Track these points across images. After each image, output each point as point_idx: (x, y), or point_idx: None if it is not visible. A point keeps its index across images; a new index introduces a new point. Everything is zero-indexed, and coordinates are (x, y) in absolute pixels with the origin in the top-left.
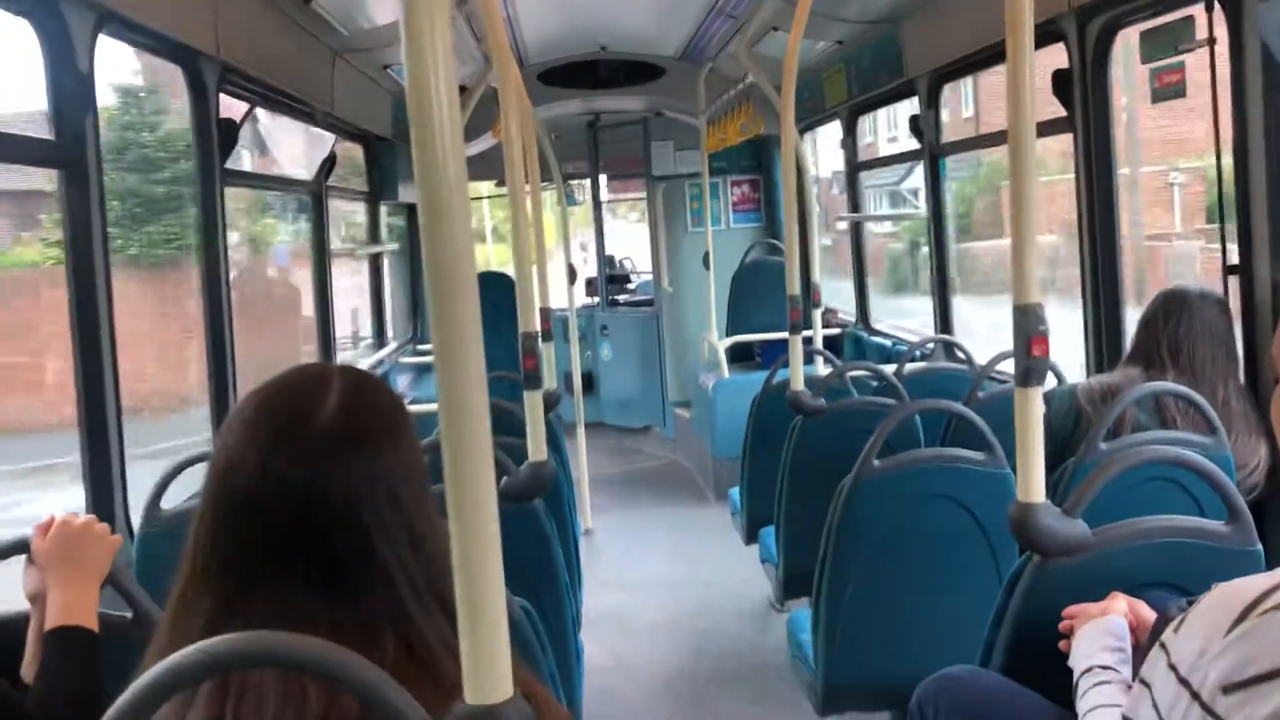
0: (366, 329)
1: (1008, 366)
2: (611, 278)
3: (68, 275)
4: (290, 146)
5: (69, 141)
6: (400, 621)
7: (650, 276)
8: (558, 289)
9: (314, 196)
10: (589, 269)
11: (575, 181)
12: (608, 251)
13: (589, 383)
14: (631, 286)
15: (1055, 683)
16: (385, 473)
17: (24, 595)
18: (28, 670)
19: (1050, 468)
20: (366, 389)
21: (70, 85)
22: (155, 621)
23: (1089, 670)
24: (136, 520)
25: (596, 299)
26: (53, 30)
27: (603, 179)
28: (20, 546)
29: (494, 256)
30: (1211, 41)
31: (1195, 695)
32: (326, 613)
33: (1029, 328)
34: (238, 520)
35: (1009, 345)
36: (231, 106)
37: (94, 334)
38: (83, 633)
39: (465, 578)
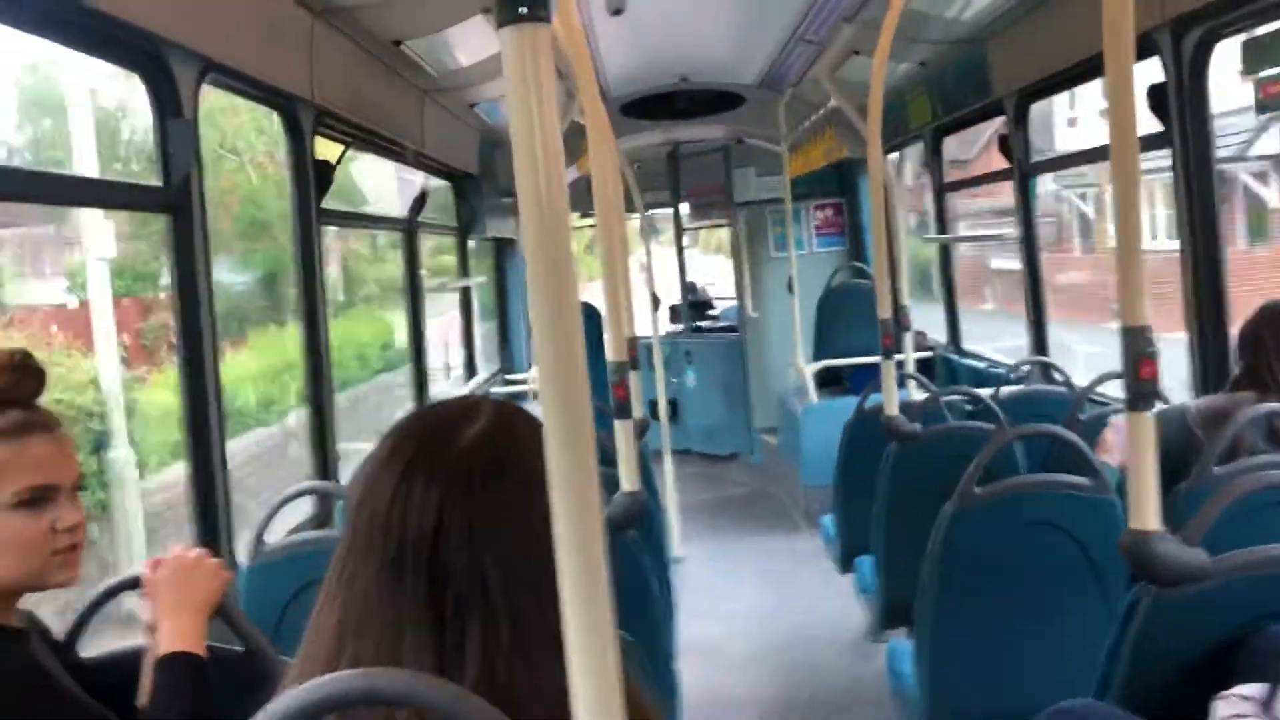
0: (457, 361)
1: (1107, 389)
2: (694, 304)
3: (174, 314)
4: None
5: (176, 186)
6: (496, 661)
7: (733, 303)
8: (642, 317)
9: (406, 234)
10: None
11: (658, 210)
12: (689, 278)
13: (674, 410)
14: (714, 313)
15: (1175, 715)
16: (521, 508)
17: (143, 628)
18: (143, 700)
19: (1161, 493)
20: (515, 421)
21: (176, 133)
22: (265, 653)
23: (1226, 698)
24: (241, 555)
25: (680, 326)
26: (160, 81)
27: (684, 207)
28: (132, 583)
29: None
30: None
31: None
32: (432, 645)
33: (1138, 349)
34: (367, 544)
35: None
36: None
37: (199, 371)
38: (193, 659)
39: (576, 612)
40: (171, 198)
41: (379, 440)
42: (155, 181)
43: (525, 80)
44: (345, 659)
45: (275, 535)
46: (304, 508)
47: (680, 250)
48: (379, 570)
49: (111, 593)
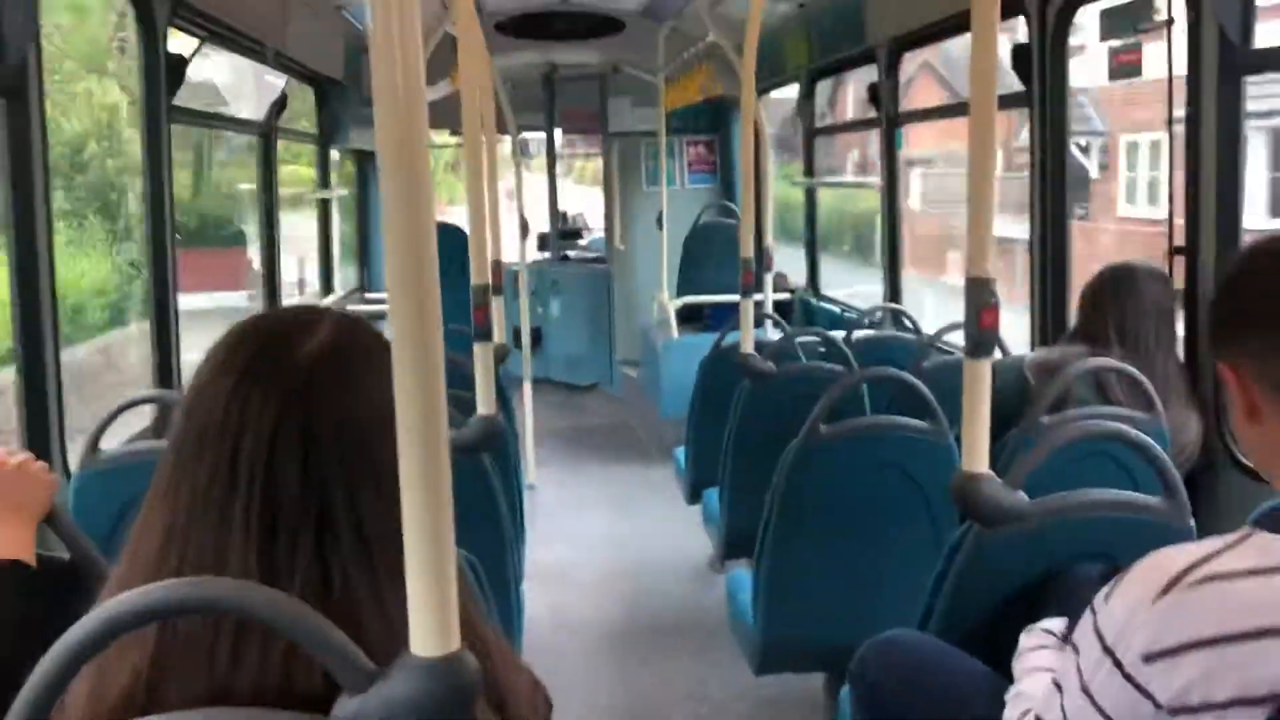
0: (312, 276)
1: (953, 338)
2: (564, 233)
3: (7, 208)
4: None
5: (13, 69)
6: (331, 569)
7: (602, 234)
8: (510, 243)
9: (263, 138)
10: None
11: (530, 134)
12: (560, 207)
13: (537, 338)
14: (584, 243)
15: (991, 647)
16: (363, 416)
17: None
18: None
19: (993, 439)
20: (358, 330)
21: (11, 9)
22: (94, 562)
23: (1032, 630)
24: (73, 461)
25: (548, 254)
26: None
27: (558, 133)
28: None
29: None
30: (1169, 23)
31: (1118, 663)
32: (263, 552)
33: (980, 299)
34: (198, 449)
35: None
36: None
37: (32, 266)
38: (21, 566)
39: (416, 528)
40: (6, 79)
41: (213, 345)
42: None
43: None
44: (168, 568)
45: (113, 445)
46: (145, 418)
47: (552, 177)
48: (209, 479)
49: None
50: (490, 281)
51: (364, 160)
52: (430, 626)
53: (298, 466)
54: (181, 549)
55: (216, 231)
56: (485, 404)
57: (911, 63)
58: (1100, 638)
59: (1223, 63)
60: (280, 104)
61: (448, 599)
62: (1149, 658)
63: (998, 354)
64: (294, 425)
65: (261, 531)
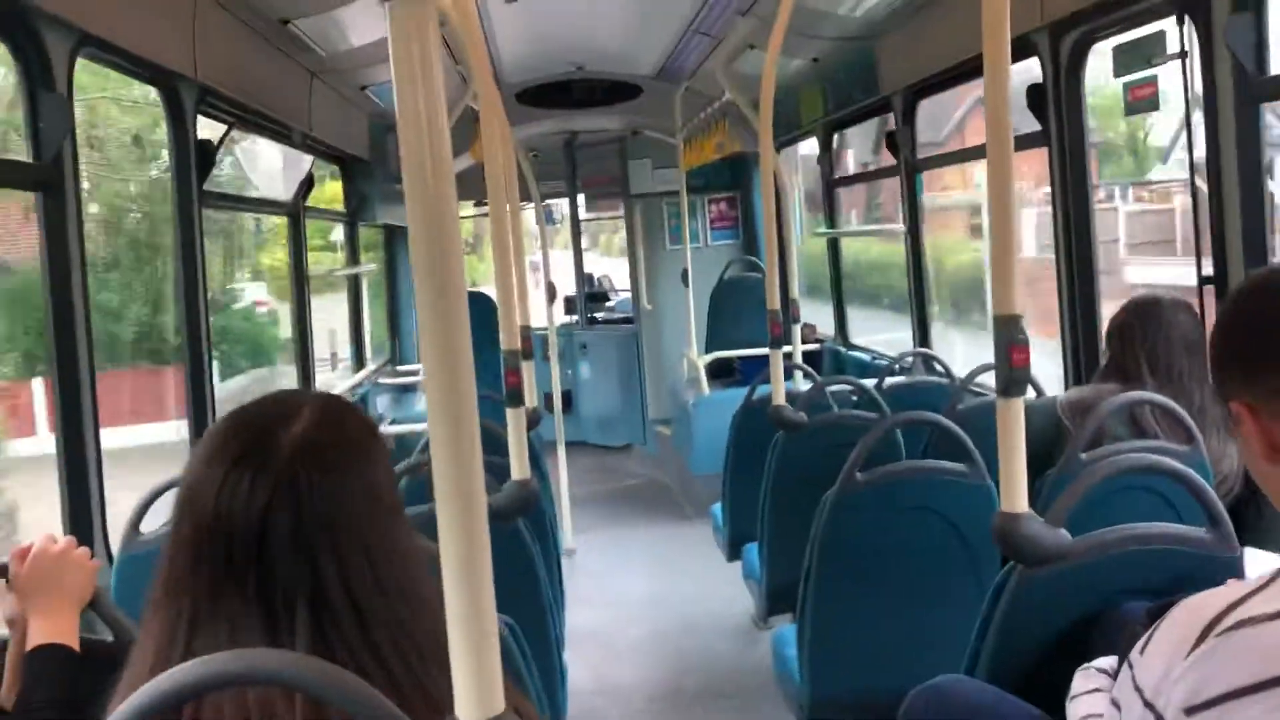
0: (345, 351)
1: (986, 380)
2: (591, 296)
3: (45, 297)
4: (268, 168)
5: (48, 163)
6: (334, 648)
7: (629, 295)
8: (537, 308)
9: (291, 218)
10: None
11: (552, 201)
12: (586, 270)
13: (569, 401)
14: (610, 304)
15: (1039, 690)
16: (349, 498)
17: (3, 619)
18: (5, 696)
19: (1031, 480)
20: (338, 413)
21: (48, 107)
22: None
23: (1085, 671)
24: (115, 545)
25: (575, 317)
26: (31, 52)
27: (581, 198)
28: None
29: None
30: (1184, 55)
31: (1160, 718)
32: (265, 640)
33: (1010, 338)
34: (197, 541)
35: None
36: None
37: (71, 355)
38: (64, 650)
39: (457, 595)
40: (43, 175)
41: (205, 436)
42: (24, 158)
43: (411, 58)
44: (176, 659)
45: (153, 526)
46: None
47: (577, 241)
48: (211, 571)
49: None
50: (520, 347)
51: (392, 235)
52: (474, 692)
53: (290, 550)
54: (187, 641)
55: (148, 343)
56: (519, 469)
57: (969, 94)
58: (1140, 693)
59: (1239, 91)
60: (307, 184)
61: (492, 664)
62: (1190, 710)
63: (1032, 395)
64: (283, 510)
65: (263, 618)
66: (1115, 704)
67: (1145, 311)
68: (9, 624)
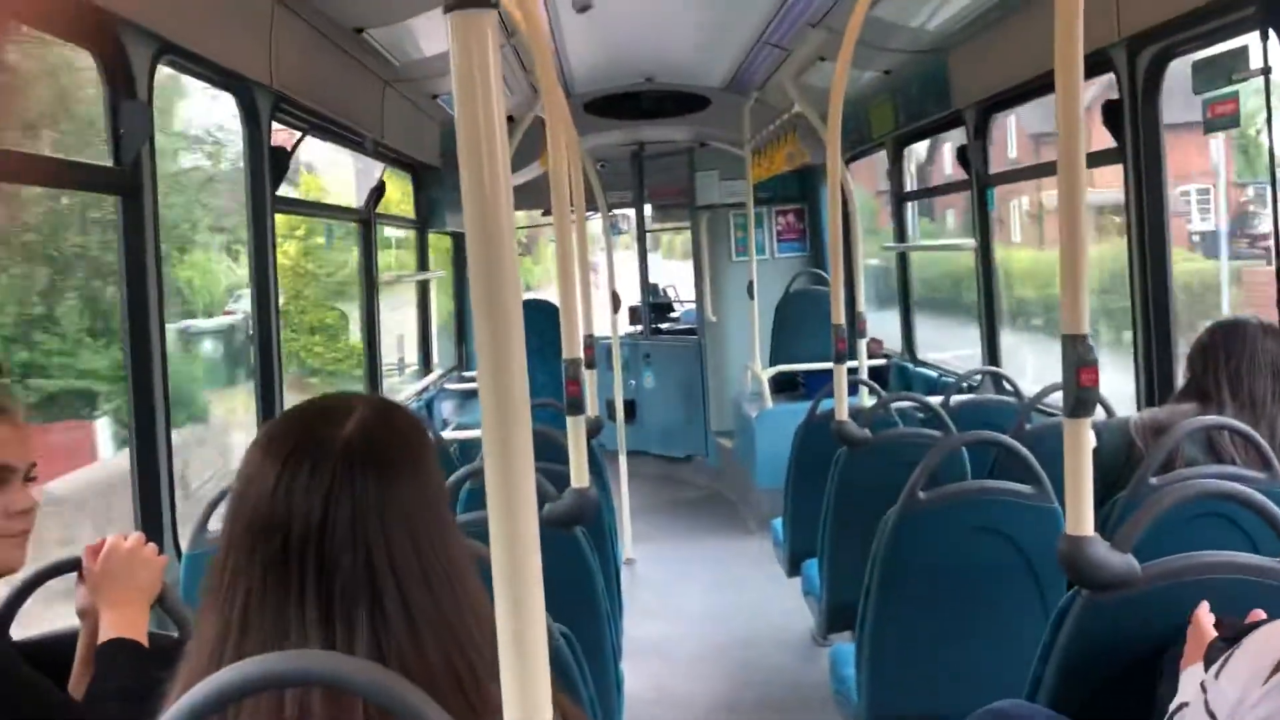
0: (413, 356)
1: (1056, 400)
2: (655, 306)
3: (122, 298)
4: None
5: (128, 168)
6: (393, 650)
7: (693, 306)
8: (601, 317)
9: (363, 224)
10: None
11: (620, 211)
12: (651, 280)
13: (632, 411)
14: (675, 315)
15: (1102, 716)
16: (400, 500)
17: (75, 611)
18: (76, 687)
19: (1100, 502)
20: (390, 415)
21: (129, 113)
22: None
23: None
24: (184, 541)
25: (640, 327)
26: (114, 61)
27: (647, 209)
28: (70, 565)
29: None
30: (1266, 71)
31: None
32: (320, 639)
33: (1078, 358)
34: (248, 540)
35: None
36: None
37: (146, 355)
38: (134, 644)
39: (506, 602)
40: (123, 179)
41: (258, 436)
42: (106, 162)
43: (471, 64)
44: (228, 658)
45: (219, 526)
46: None
47: (643, 251)
48: (264, 569)
49: (47, 575)
50: (582, 355)
51: (461, 242)
52: (523, 700)
53: (349, 546)
54: (240, 641)
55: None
56: (578, 477)
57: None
58: (1213, 717)
59: None
60: (379, 191)
61: (540, 673)
62: None
63: (1103, 415)
64: (341, 504)
65: (320, 621)
66: None
67: (1230, 333)
68: (81, 615)
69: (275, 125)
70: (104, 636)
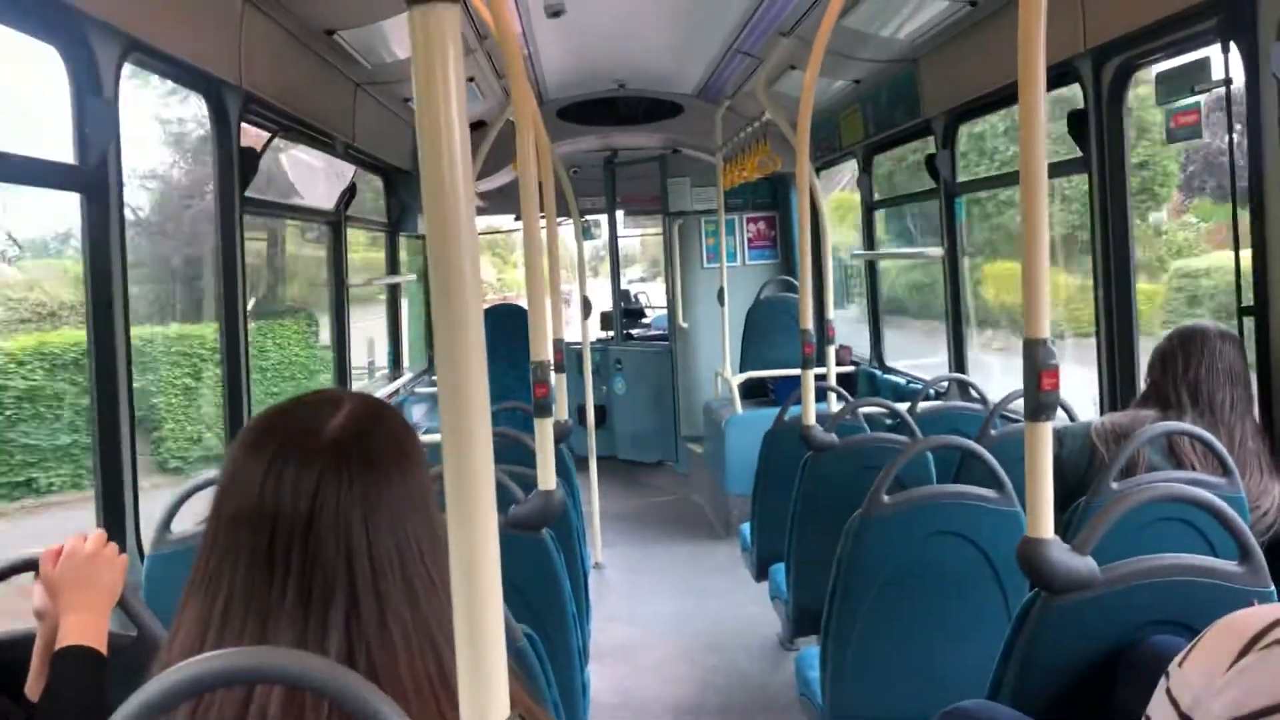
0: (382, 359)
1: (1020, 406)
2: (626, 312)
3: (86, 297)
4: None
5: (92, 166)
6: (363, 650)
7: (664, 312)
8: (573, 322)
9: (333, 226)
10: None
11: (592, 217)
12: (623, 287)
13: (603, 417)
14: (646, 321)
15: (1063, 715)
16: (386, 500)
17: (33, 612)
18: (32, 688)
19: (1062, 507)
20: (379, 413)
21: (95, 111)
22: (159, 641)
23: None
24: (147, 543)
25: (611, 333)
26: (79, 57)
27: (620, 215)
28: (28, 565)
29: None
30: (1228, 82)
31: None
32: (299, 634)
33: (1039, 362)
34: (233, 534)
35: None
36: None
37: (109, 355)
38: (91, 653)
39: (464, 598)
40: (86, 177)
41: (243, 431)
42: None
43: (432, 60)
44: (208, 648)
45: (184, 527)
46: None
47: (614, 257)
48: (248, 564)
49: (1, 575)
50: (550, 358)
51: None
52: (481, 697)
53: (332, 544)
54: (220, 635)
55: None
56: (545, 479)
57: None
58: (1175, 704)
59: None
60: (349, 193)
61: (497, 670)
62: None
63: (1066, 420)
64: (329, 498)
65: (298, 618)
66: (1148, 718)
67: (1190, 340)
68: (38, 616)
69: (245, 126)
70: (62, 642)
